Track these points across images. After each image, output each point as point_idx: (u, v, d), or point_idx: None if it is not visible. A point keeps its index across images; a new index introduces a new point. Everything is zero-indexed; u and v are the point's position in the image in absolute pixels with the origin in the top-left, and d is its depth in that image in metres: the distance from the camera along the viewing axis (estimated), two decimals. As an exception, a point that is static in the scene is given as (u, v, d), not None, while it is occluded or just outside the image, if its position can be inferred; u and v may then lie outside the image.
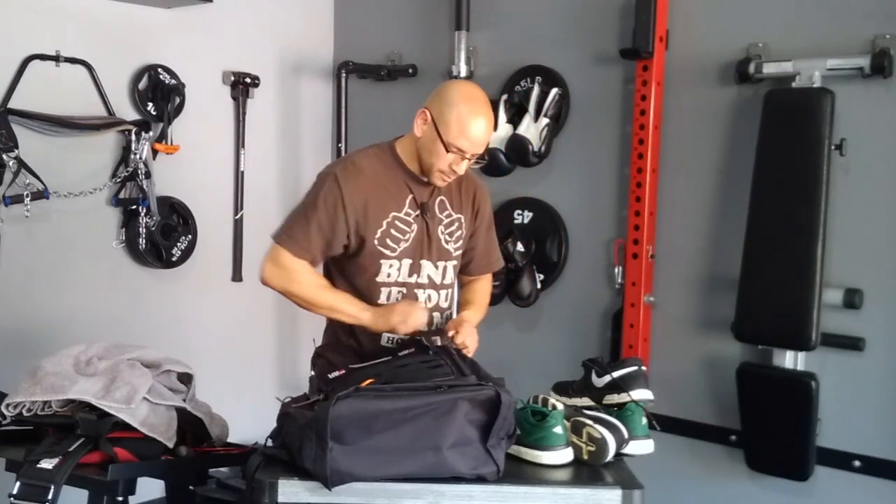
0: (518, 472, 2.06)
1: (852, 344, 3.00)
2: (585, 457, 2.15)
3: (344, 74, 4.03)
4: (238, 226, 4.01)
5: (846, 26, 3.00)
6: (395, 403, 1.97)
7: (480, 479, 1.98)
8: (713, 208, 3.30)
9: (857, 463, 3.02)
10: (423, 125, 2.45)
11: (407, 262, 2.52)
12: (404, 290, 2.53)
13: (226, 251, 4.00)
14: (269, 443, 2.13)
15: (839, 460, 3.05)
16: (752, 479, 3.20)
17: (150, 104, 3.65)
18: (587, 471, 2.12)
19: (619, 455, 2.20)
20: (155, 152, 3.63)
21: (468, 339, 2.43)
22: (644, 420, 2.29)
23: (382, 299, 2.52)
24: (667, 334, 3.40)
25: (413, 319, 2.42)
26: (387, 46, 4.11)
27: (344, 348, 2.54)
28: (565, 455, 2.14)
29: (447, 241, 2.57)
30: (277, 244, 2.49)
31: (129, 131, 3.54)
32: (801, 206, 2.97)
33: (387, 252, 2.50)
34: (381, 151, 2.55)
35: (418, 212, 2.52)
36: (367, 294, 2.51)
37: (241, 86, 3.95)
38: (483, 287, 2.74)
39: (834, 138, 2.95)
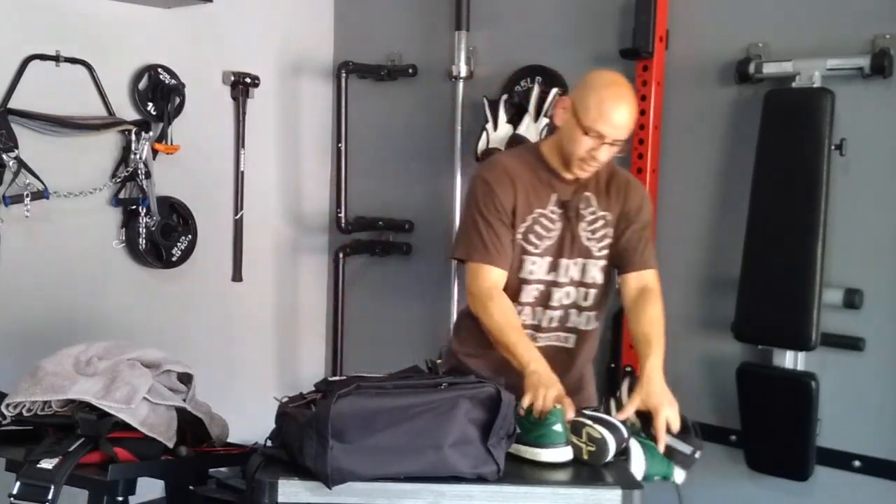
0: (518, 472, 2.06)
1: (852, 344, 3.00)
2: (585, 457, 2.15)
3: (344, 74, 4.03)
4: (238, 226, 4.01)
5: (846, 26, 2.99)
6: (395, 401, 1.97)
7: (480, 479, 1.98)
8: (713, 208, 3.30)
9: (857, 463, 3.02)
10: (564, 113, 2.44)
11: (547, 259, 2.53)
12: (542, 286, 2.54)
13: (226, 251, 4.00)
14: (269, 443, 2.13)
15: (839, 460, 3.04)
16: (752, 479, 3.20)
17: (150, 104, 3.65)
18: (587, 471, 2.12)
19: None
20: (155, 152, 3.63)
21: (671, 416, 2.31)
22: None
23: (525, 297, 2.53)
24: (667, 334, 3.38)
25: (544, 397, 2.25)
26: (387, 46, 4.11)
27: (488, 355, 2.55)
28: (565, 453, 2.14)
29: (589, 239, 2.54)
30: (470, 261, 2.49)
31: (129, 131, 3.54)
32: (801, 206, 2.97)
33: (530, 248, 2.52)
34: (527, 151, 2.58)
35: (562, 210, 2.52)
36: (509, 289, 2.52)
37: (241, 86, 3.95)
38: (656, 314, 2.53)
39: (834, 138, 2.94)
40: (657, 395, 2.32)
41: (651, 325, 2.49)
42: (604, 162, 2.44)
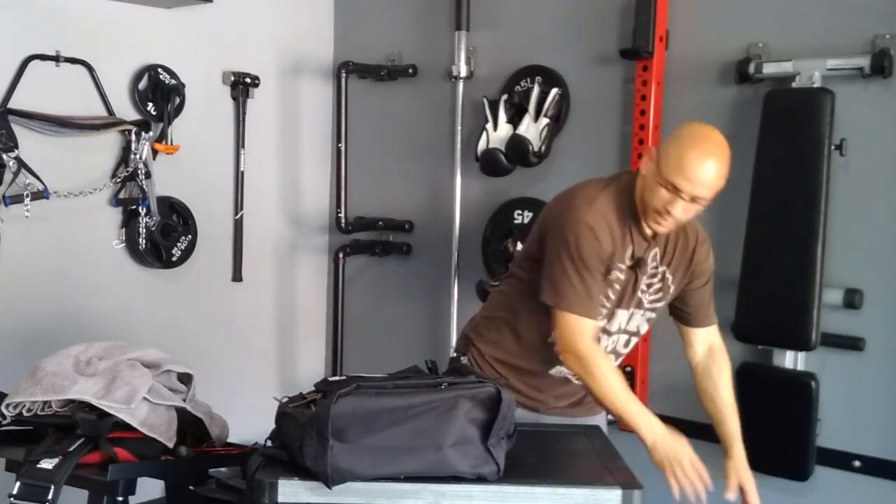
0: (518, 472, 2.06)
1: (852, 344, 3.00)
2: None
3: (344, 74, 4.03)
4: (238, 226, 4.01)
5: (846, 26, 3.00)
6: (396, 401, 1.97)
7: (480, 479, 1.98)
8: (713, 208, 3.28)
9: (857, 463, 3.02)
10: (649, 162, 2.31)
11: (609, 308, 2.44)
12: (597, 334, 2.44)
13: (226, 251, 4.00)
14: (269, 443, 2.13)
15: (839, 460, 3.05)
16: (752, 479, 3.20)
17: (150, 104, 3.65)
18: (587, 471, 2.12)
19: None
20: (155, 152, 3.64)
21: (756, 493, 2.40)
22: None
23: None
24: (667, 334, 3.38)
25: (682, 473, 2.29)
26: (387, 46, 4.11)
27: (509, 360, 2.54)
28: None
29: (643, 292, 2.45)
30: (570, 313, 2.32)
31: (129, 131, 3.54)
32: (801, 206, 2.97)
33: (605, 302, 2.39)
34: (620, 194, 2.38)
35: (633, 265, 2.39)
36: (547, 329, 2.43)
37: (241, 86, 3.95)
38: (726, 379, 2.57)
39: (834, 138, 2.95)
40: (748, 472, 2.44)
41: (730, 392, 2.58)
42: (681, 220, 2.30)
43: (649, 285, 2.46)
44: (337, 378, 2.24)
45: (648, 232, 2.38)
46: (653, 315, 2.52)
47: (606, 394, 2.32)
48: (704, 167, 2.22)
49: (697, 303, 2.54)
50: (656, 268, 2.44)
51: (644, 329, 2.55)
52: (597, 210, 2.34)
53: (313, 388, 2.21)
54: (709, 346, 2.58)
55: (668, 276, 2.46)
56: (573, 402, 2.60)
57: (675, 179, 2.22)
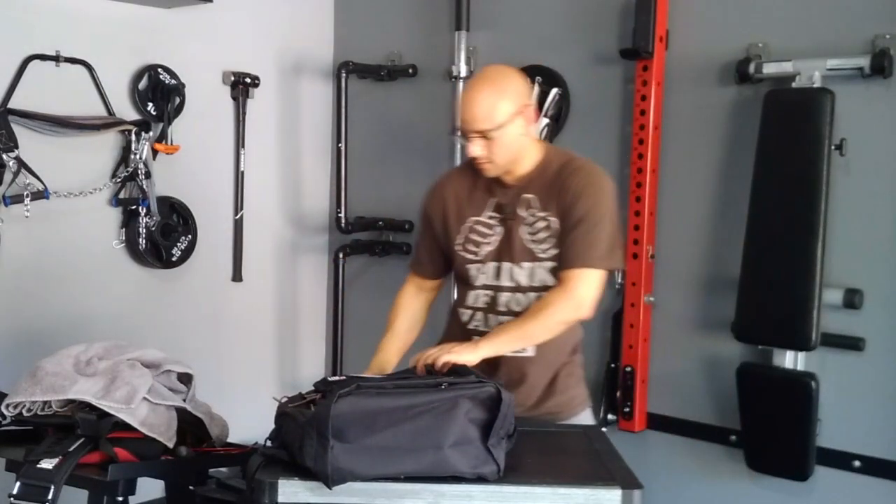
0: (518, 472, 2.06)
1: (852, 344, 3.00)
2: None
3: (344, 74, 4.03)
4: (238, 226, 4.01)
5: (846, 26, 2.99)
6: (396, 401, 1.97)
7: (480, 479, 1.98)
8: (713, 208, 3.30)
9: (857, 463, 3.02)
10: None
11: (493, 265, 2.53)
12: (490, 292, 2.53)
13: (226, 251, 4.00)
14: (269, 443, 2.13)
15: (839, 460, 3.05)
16: (752, 479, 3.20)
17: (150, 104, 3.65)
18: (587, 471, 2.12)
19: None
20: (155, 152, 3.64)
21: (435, 353, 2.34)
22: None
23: (474, 302, 2.56)
24: (667, 334, 3.40)
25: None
26: (387, 46, 4.11)
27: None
28: None
29: (531, 242, 2.49)
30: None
31: (129, 131, 3.54)
32: (801, 206, 2.97)
33: (470, 256, 2.54)
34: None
35: (499, 214, 2.52)
36: (461, 295, 2.60)
37: (241, 86, 3.95)
38: (539, 301, 2.46)
39: (834, 138, 2.94)
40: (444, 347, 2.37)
41: (536, 306, 2.45)
42: (486, 157, 2.42)
43: (535, 234, 2.49)
44: (336, 378, 2.24)
45: (509, 180, 2.50)
46: (554, 264, 2.47)
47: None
48: (470, 103, 2.39)
49: (564, 245, 2.45)
50: (535, 214, 2.49)
51: (551, 282, 2.47)
52: (440, 179, 2.68)
53: (313, 388, 2.21)
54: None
55: (553, 219, 2.47)
56: None
57: (460, 125, 2.43)
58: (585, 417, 2.66)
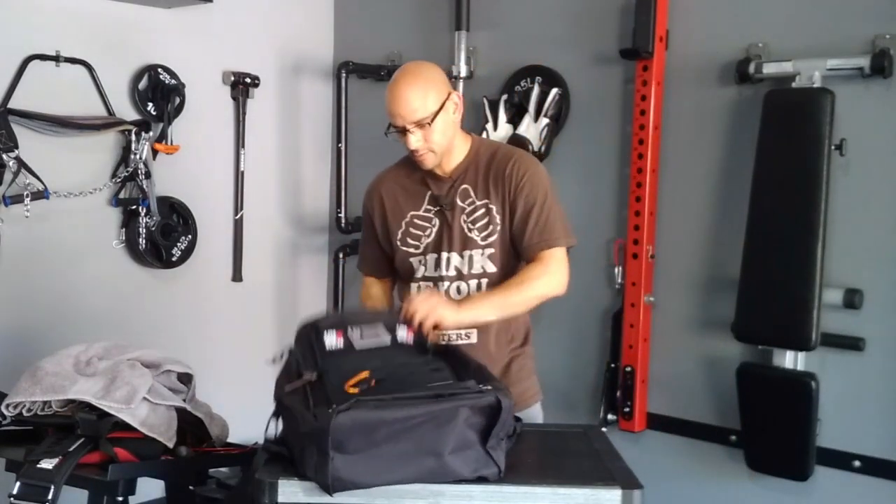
0: (518, 472, 2.06)
1: (852, 344, 3.00)
2: None
3: (344, 74, 4.03)
4: (238, 226, 4.01)
5: (846, 26, 3.00)
6: (395, 413, 1.96)
7: (481, 479, 1.98)
8: (713, 208, 3.30)
9: (857, 463, 3.02)
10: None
11: (433, 256, 2.57)
12: (431, 283, 2.57)
13: (226, 251, 4.00)
14: (271, 425, 2.12)
15: (839, 460, 3.05)
16: (752, 479, 3.20)
17: (150, 104, 3.65)
18: (587, 471, 2.12)
19: None
20: (155, 152, 3.64)
21: (418, 308, 2.30)
22: None
23: (412, 294, 2.56)
24: (667, 334, 3.40)
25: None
26: (387, 46, 4.11)
27: None
28: None
29: (470, 230, 2.54)
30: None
31: (129, 131, 3.54)
32: (801, 206, 2.97)
33: (411, 250, 2.58)
34: (406, 158, 2.63)
35: (436, 207, 2.57)
36: (406, 291, 2.62)
37: (241, 86, 3.95)
38: (517, 276, 2.51)
39: (834, 138, 2.94)
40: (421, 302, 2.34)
41: (505, 285, 2.48)
42: (425, 147, 2.47)
43: (474, 222, 2.54)
44: (335, 346, 2.22)
45: (441, 172, 2.56)
46: (493, 250, 2.54)
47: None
48: (402, 98, 2.46)
49: (520, 233, 2.51)
50: (473, 202, 2.54)
51: (490, 268, 2.54)
52: (376, 178, 2.73)
53: (299, 347, 2.24)
54: None
55: (492, 206, 2.53)
56: None
57: (391, 120, 2.49)
58: (536, 410, 2.67)
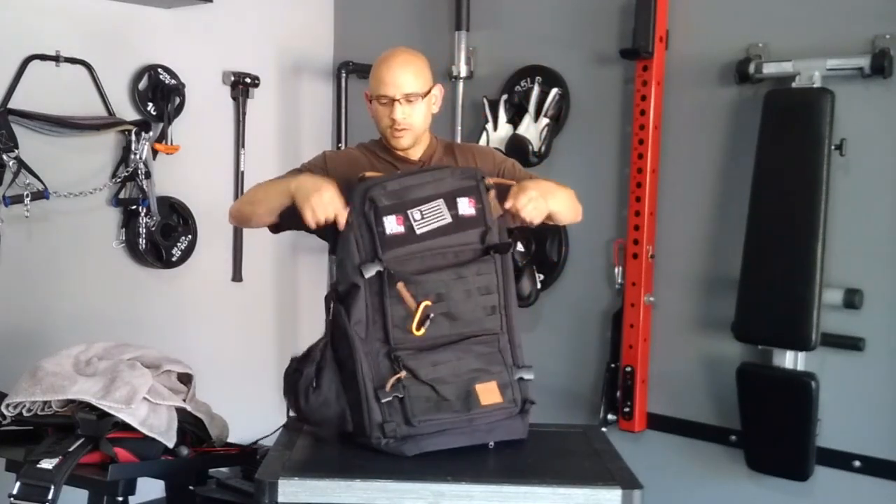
0: (518, 472, 2.07)
1: (852, 344, 3.00)
2: None
3: (344, 74, 4.03)
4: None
5: (846, 26, 3.00)
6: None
7: (482, 475, 1.99)
8: (713, 208, 3.30)
9: (857, 463, 3.02)
10: (368, 105, 2.52)
11: None
12: None
13: (226, 251, 4.00)
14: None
15: (839, 460, 3.05)
16: (752, 479, 3.20)
17: (150, 104, 3.65)
18: (587, 471, 2.12)
19: None
20: (155, 152, 3.64)
21: (522, 202, 2.34)
22: None
23: None
24: (667, 334, 3.40)
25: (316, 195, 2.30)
26: (387, 46, 4.04)
27: None
28: None
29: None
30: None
31: (129, 131, 3.54)
32: (801, 206, 2.97)
33: None
34: (372, 142, 2.63)
35: None
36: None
37: (241, 86, 3.95)
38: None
39: (834, 138, 2.95)
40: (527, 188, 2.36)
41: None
42: (407, 122, 2.46)
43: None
44: (377, 193, 2.21)
45: (411, 156, 2.54)
46: None
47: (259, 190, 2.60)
48: (390, 67, 2.46)
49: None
50: None
51: None
52: (333, 152, 2.69)
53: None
54: None
55: None
56: None
57: (377, 91, 2.46)
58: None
